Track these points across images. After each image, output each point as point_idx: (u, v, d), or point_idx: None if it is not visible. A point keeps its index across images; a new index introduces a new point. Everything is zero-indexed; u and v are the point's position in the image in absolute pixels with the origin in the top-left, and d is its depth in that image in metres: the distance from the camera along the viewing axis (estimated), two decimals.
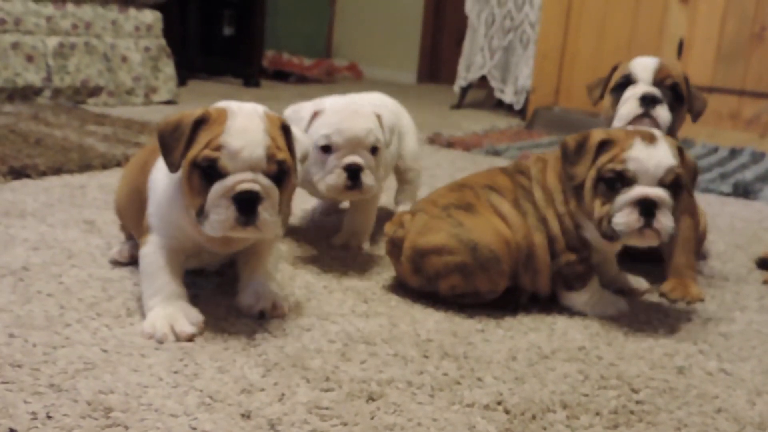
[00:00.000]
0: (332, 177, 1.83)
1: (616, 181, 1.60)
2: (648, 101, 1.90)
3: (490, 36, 5.63)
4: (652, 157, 1.59)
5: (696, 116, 2.01)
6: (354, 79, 7.39)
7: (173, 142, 1.43)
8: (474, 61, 5.69)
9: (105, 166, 2.70)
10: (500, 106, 5.92)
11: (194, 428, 1.12)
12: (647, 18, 4.61)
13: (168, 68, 4.59)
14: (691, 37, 4.47)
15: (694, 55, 4.47)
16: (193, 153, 1.42)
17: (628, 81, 1.96)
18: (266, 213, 1.41)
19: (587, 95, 2.12)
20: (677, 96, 1.94)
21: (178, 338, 1.41)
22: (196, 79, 5.79)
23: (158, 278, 1.49)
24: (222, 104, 1.47)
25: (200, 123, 1.43)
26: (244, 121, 1.42)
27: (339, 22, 8.02)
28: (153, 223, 1.52)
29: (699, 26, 4.45)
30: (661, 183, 1.59)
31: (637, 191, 1.58)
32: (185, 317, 1.45)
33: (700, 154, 4.03)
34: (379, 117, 1.90)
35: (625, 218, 1.58)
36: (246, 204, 1.39)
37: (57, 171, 2.55)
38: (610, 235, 1.61)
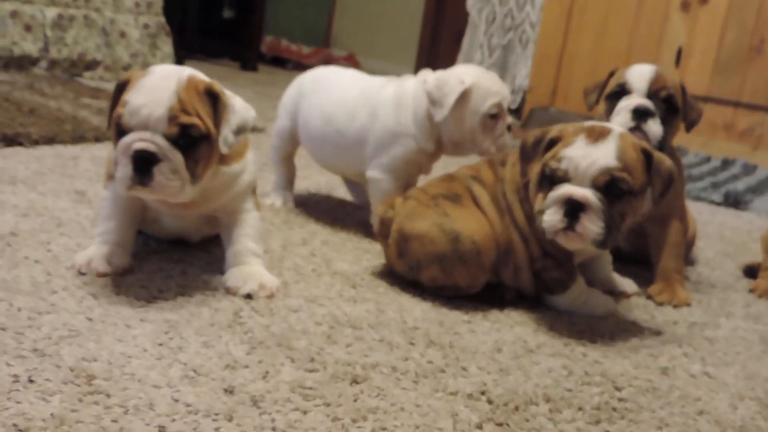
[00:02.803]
0: (502, 140, 2.03)
1: (552, 177, 1.54)
2: (640, 114, 1.88)
3: (489, 34, 5.63)
4: (588, 156, 1.51)
5: (690, 126, 2.00)
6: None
7: (112, 101, 1.48)
8: (472, 57, 5.69)
9: (98, 139, 2.68)
10: None
11: (176, 400, 1.11)
12: (647, 24, 4.61)
13: (166, 47, 4.56)
14: (690, 46, 4.48)
15: (692, 64, 4.48)
16: (114, 111, 1.44)
17: (622, 90, 1.94)
18: (162, 176, 1.40)
19: (583, 99, 2.12)
20: (671, 107, 1.93)
21: (91, 272, 1.51)
22: (194, 60, 5.76)
23: (107, 223, 1.58)
24: (155, 66, 1.49)
25: (127, 82, 1.46)
26: (154, 80, 1.42)
27: (339, 12, 7.99)
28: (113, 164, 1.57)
29: (698, 36, 4.46)
30: (594, 184, 1.51)
31: (563, 190, 1.51)
32: (107, 258, 1.53)
33: (692, 162, 4.04)
34: None
35: (550, 216, 1.52)
36: (140, 163, 1.39)
37: (50, 141, 2.54)
38: (542, 232, 1.56)
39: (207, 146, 1.46)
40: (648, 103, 1.89)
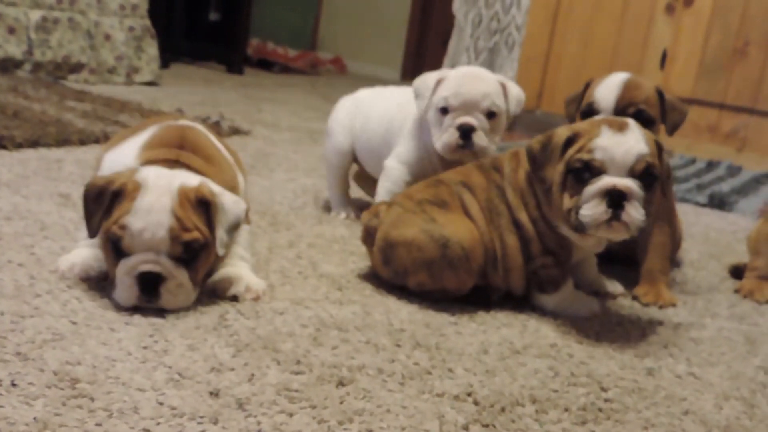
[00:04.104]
0: (446, 136, 1.93)
1: (584, 171, 1.54)
2: None
3: (476, 37, 5.64)
4: (621, 144, 1.52)
5: (672, 129, 2.00)
6: (338, 72, 7.37)
7: (94, 207, 1.44)
8: (459, 60, 5.69)
9: (83, 142, 2.67)
10: None
11: (161, 403, 1.11)
12: (632, 27, 4.63)
13: (151, 49, 4.55)
14: (674, 49, 4.50)
15: (677, 66, 4.50)
16: (106, 225, 1.42)
17: (591, 110, 1.95)
18: (169, 294, 1.41)
19: (564, 109, 2.12)
20: (643, 120, 1.92)
21: (74, 278, 1.50)
22: (180, 63, 5.75)
23: None
24: (142, 175, 1.45)
25: (117, 195, 1.43)
26: (151, 200, 1.40)
27: (326, 14, 8.00)
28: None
29: (683, 38, 4.48)
30: (632, 172, 1.52)
31: (605, 181, 1.51)
32: (91, 263, 1.52)
33: (678, 164, 4.05)
34: (503, 85, 1.98)
35: (591, 210, 1.51)
36: (148, 284, 1.40)
37: (34, 144, 2.52)
38: (578, 228, 1.55)
39: (206, 253, 1.47)
40: None
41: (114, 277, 1.43)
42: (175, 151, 1.58)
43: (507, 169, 1.75)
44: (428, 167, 2.05)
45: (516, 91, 2.02)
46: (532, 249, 1.69)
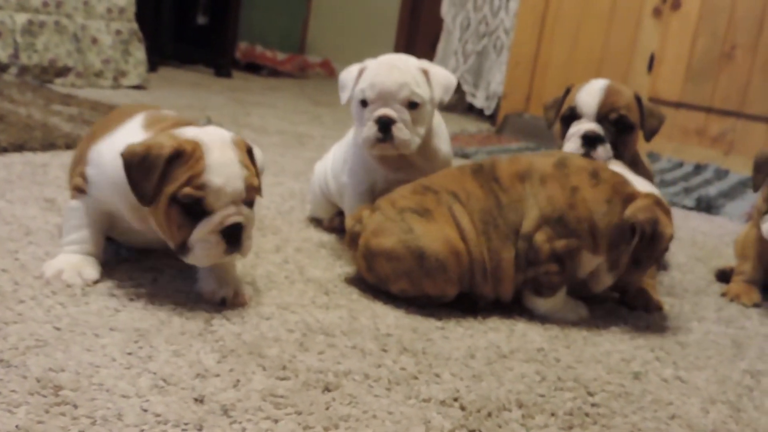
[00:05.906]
0: (365, 129, 1.86)
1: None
2: (590, 141, 1.89)
3: (464, 40, 5.64)
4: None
5: (650, 134, 2.02)
6: (327, 76, 7.37)
7: (142, 174, 1.42)
8: (447, 64, 5.70)
9: (69, 146, 2.65)
10: (471, 110, 5.94)
11: (145, 410, 1.10)
12: (620, 31, 4.65)
13: (139, 53, 4.53)
14: (662, 52, 4.52)
15: (664, 70, 4.52)
16: (171, 189, 1.41)
17: (573, 114, 1.96)
18: (248, 240, 1.49)
19: (543, 115, 2.13)
20: (624, 126, 1.94)
21: (60, 282, 1.49)
22: (167, 66, 5.73)
23: (77, 232, 1.58)
24: (190, 135, 1.45)
25: (175, 158, 1.42)
26: (220, 156, 1.44)
27: (314, 18, 7.98)
28: (91, 184, 1.55)
29: (670, 42, 4.50)
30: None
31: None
32: (79, 270, 1.52)
33: (665, 168, 4.07)
34: (426, 72, 1.90)
35: None
36: (234, 236, 1.45)
37: (19, 148, 2.51)
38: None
39: (256, 196, 1.53)
40: (597, 129, 1.91)
41: (183, 242, 1.44)
42: (185, 119, 1.61)
43: (530, 189, 1.72)
44: (379, 174, 1.98)
45: (442, 76, 1.91)
46: (541, 257, 1.68)
